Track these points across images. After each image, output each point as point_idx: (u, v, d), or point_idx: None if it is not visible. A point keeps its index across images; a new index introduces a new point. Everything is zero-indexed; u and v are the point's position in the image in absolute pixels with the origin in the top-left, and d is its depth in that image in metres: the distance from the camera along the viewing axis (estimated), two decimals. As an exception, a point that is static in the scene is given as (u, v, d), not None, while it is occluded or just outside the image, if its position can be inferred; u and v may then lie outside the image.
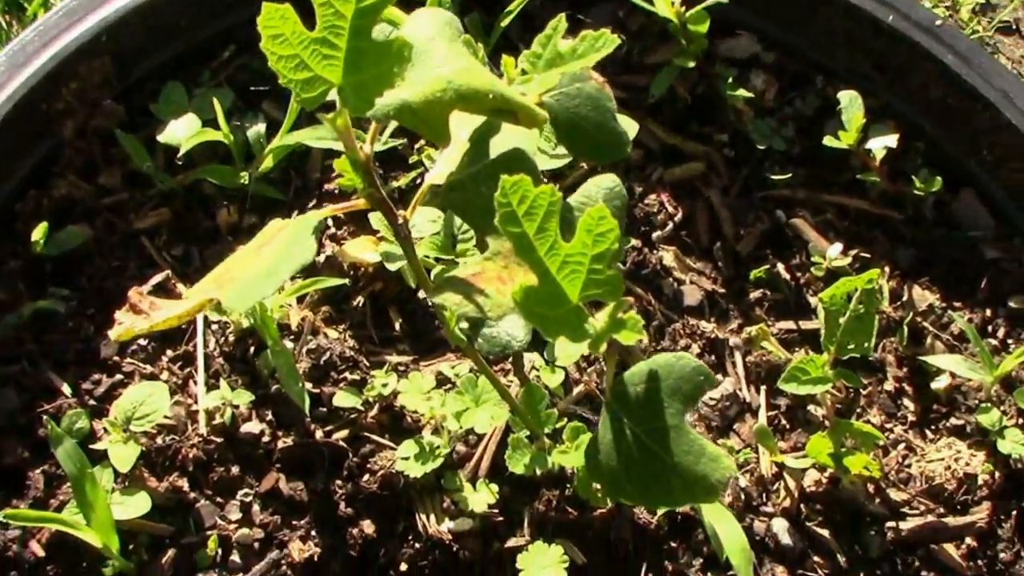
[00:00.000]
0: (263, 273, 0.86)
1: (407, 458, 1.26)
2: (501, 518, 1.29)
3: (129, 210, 1.46)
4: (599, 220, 0.81)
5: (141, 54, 1.48)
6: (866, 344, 1.33)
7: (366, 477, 1.29)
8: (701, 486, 0.82)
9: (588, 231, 0.81)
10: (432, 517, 1.28)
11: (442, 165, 0.92)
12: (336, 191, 1.47)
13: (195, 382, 1.35)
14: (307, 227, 0.88)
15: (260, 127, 1.46)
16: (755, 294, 1.52)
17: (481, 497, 1.27)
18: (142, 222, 1.45)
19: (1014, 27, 2.16)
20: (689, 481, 0.82)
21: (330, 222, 1.45)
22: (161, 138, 1.41)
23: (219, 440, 1.31)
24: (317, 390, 1.34)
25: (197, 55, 1.55)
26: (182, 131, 1.41)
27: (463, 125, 0.94)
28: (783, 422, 1.44)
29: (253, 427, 1.32)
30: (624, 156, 1.00)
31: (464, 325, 1.06)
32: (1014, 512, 1.39)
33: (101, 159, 1.47)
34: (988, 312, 1.52)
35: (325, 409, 1.34)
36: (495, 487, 1.28)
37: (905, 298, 1.52)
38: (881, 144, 1.54)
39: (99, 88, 1.45)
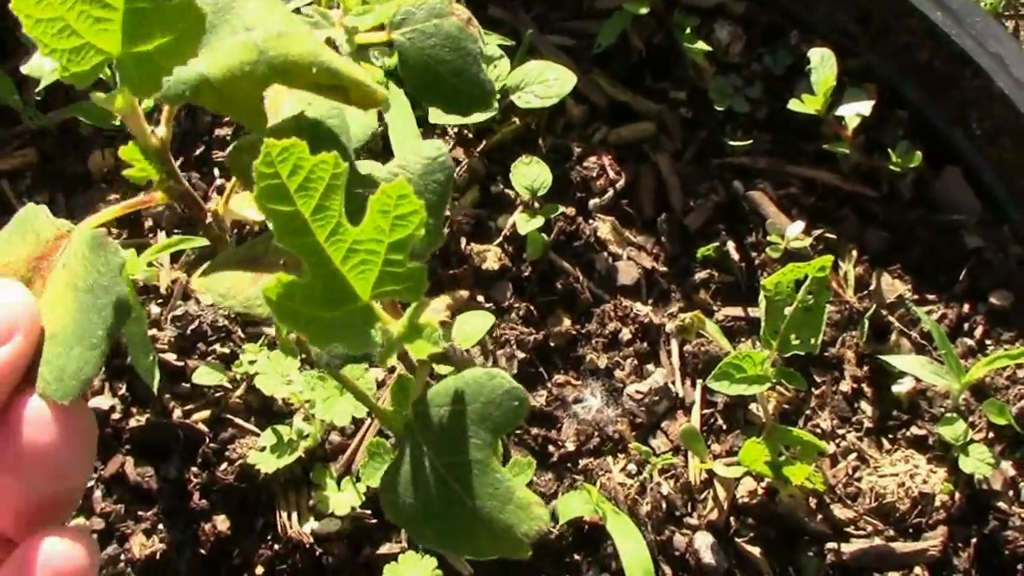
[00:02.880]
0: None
1: (263, 448, 1.10)
2: (375, 520, 1.14)
3: (-8, 147, 1.31)
4: (398, 199, 0.64)
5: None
6: (812, 340, 1.16)
7: (224, 466, 1.14)
8: (506, 538, 0.66)
9: (384, 212, 0.64)
10: (295, 516, 1.13)
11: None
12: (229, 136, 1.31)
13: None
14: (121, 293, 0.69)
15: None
16: (701, 275, 1.34)
17: (345, 498, 1.10)
18: (4, 163, 1.29)
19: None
20: (493, 531, 0.66)
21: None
22: (24, 69, 1.25)
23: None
24: (181, 363, 1.19)
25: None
26: (49, 65, 1.24)
27: (290, 103, 0.76)
28: (719, 422, 1.27)
29: (102, 401, 1.16)
30: (486, 109, 0.82)
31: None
32: (973, 540, 1.22)
33: (-37, 92, 1.32)
34: (966, 307, 1.34)
35: (188, 385, 1.18)
36: (365, 486, 1.12)
37: (872, 287, 1.34)
38: (854, 111, 1.35)
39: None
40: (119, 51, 0.66)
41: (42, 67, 1.24)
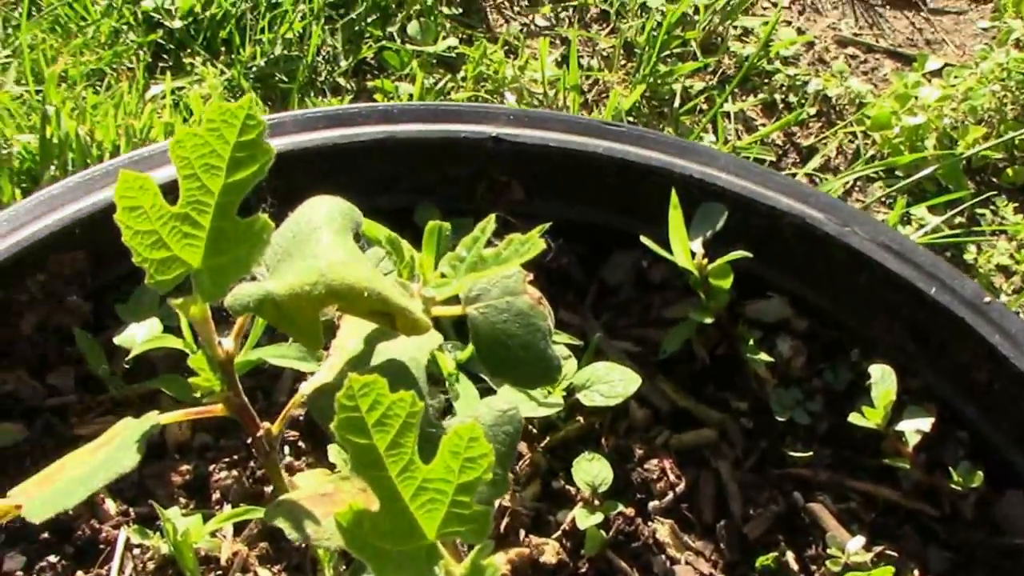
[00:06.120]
0: (77, 479, 0.73)
1: None
2: None
3: (74, 414, 1.35)
4: (469, 441, 0.67)
5: (122, 253, 1.41)
6: (873, 655, 1.14)
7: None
8: None
9: (455, 454, 0.67)
10: None
11: (321, 373, 0.79)
12: (300, 417, 1.36)
13: (101, 611, 1.20)
14: (137, 432, 0.75)
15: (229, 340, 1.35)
16: (760, 584, 1.33)
17: None
18: (85, 428, 1.33)
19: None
20: None
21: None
22: (117, 340, 1.31)
23: None
24: (232, 635, 1.19)
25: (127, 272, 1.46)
26: (141, 334, 1.31)
27: (353, 332, 0.81)
28: None
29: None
30: (552, 383, 0.86)
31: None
32: None
33: (56, 357, 1.38)
34: (1029, 634, 1.31)
35: (239, 660, 1.18)
36: None
37: (935, 607, 1.32)
38: (914, 427, 1.37)
39: (68, 283, 1.37)
40: (200, 264, 0.72)
41: (134, 339, 1.30)
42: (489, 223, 0.86)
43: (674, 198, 1.41)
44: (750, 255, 1.40)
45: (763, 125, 2.32)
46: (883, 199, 2.16)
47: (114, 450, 0.75)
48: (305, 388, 0.80)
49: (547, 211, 1.49)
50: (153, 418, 0.78)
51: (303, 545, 1.25)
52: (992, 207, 2.19)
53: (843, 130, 2.31)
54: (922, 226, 2.09)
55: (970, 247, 2.11)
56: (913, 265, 1.42)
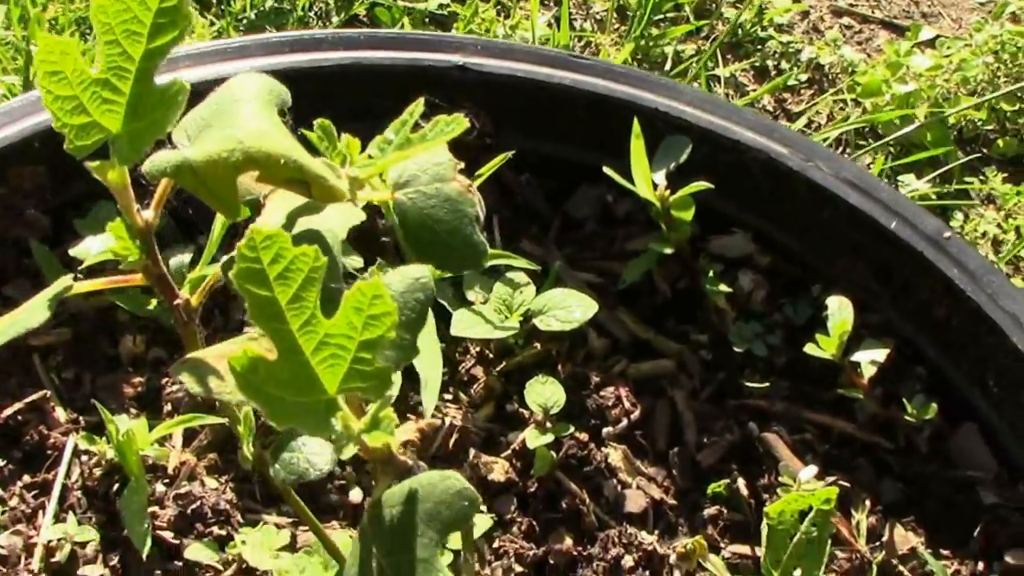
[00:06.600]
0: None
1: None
2: None
3: (30, 326, 1.36)
4: (372, 299, 0.67)
5: (83, 170, 1.41)
6: (815, 573, 1.14)
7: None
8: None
9: (357, 310, 0.67)
10: None
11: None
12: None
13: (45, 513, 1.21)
14: (49, 294, 0.76)
15: (186, 256, 1.36)
16: (710, 511, 1.33)
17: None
18: (39, 340, 1.34)
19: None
20: (432, 628, 0.66)
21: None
22: (72, 251, 1.32)
23: (51, 579, 1.16)
24: (177, 540, 1.19)
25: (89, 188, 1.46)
26: (96, 247, 1.31)
27: (278, 209, 0.82)
28: (719, 658, 1.23)
29: (93, 570, 1.16)
30: (477, 268, 0.87)
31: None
32: None
33: (13, 270, 1.39)
34: (980, 566, 1.30)
35: (180, 564, 1.18)
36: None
37: (885, 537, 1.31)
38: (869, 358, 1.37)
39: (27, 197, 1.37)
40: (119, 129, 0.73)
41: (88, 250, 1.31)
42: (417, 106, 0.86)
43: (636, 127, 1.41)
44: (711, 186, 1.39)
45: (755, 90, 2.31)
46: (871, 164, 2.15)
47: (26, 311, 0.76)
48: (224, 259, 0.81)
49: (516, 144, 1.49)
50: (66, 281, 0.79)
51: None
52: (981, 176, 2.17)
53: (833, 97, 2.31)
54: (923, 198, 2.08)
55: (957, 215, 2.10)
56: (875, 200, 1.42)
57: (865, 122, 2.19)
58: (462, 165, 0.89)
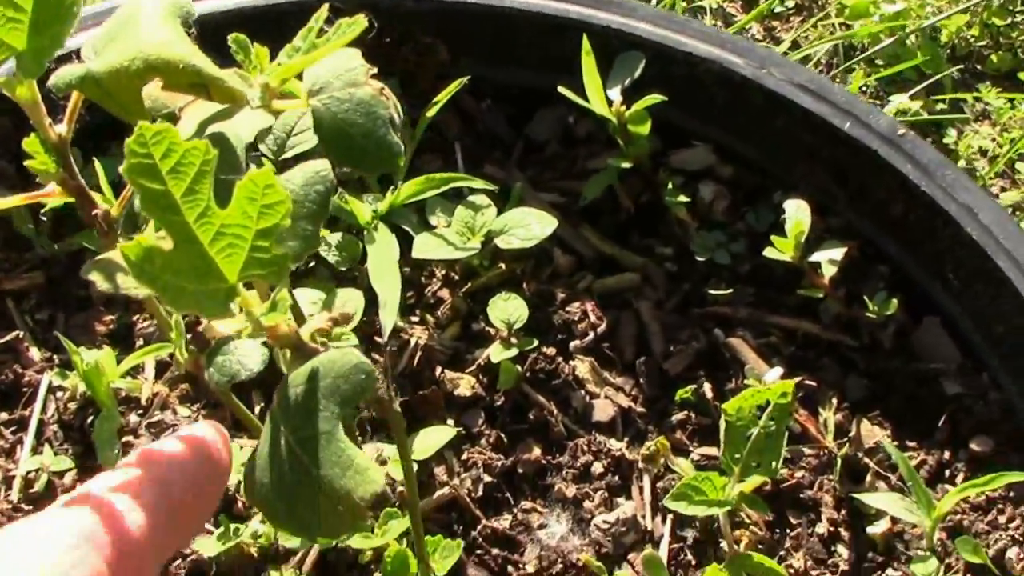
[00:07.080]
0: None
1: (209, 533, 1.12)
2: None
3: (1, 270, 1.39)
4: (265, 188, 0.69)
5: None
6: (773, 465, 1.16)
7: (177, 561, 1.16)
8: (346, 504, 0.68)
9: (251, 199, 0.69)
10: (243, 614, 1.14)
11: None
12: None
13: (23, 448, 1.25)
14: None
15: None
16: (678, 416, 1.35)
17: (292, 597, 1.11)
18: (12, 283, 1.38)
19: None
20: (334, 499, 0.68)
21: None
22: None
23: (29, 508, 1.19)
24: (150, 468, 1.22)
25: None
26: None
27: (195, 116, 0.84)
28: (688, 556, 1.26)
29: (70, 499, 1.20)
30: (392, 168, 0.89)
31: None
32: None
33: (-21, 221, 1.43)
34: (947, 454, 1.32)
35: (154, 488, 1.22)
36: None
37: (852, 434, 1.33)
38: (827, 257, 1.38)
39: (-8, 147, 1.41)
40: (23, 46, 0.75)
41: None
42: (322, 13, 0.88)
43: (586, 44, 1.42)
44: (664, 98, 1.41)
45: (742, 20, 2.31)
46: (863, 88, 2.14)
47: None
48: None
49: (474, 72, 1.50)
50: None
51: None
52: (976, 92, 2.17)
53: (822, 22, 2.30)
54: (903, 113, 2.08)
55: (950, 131, 2.10)
56: (828, 103, 1.43)
57: (847, 37, 2.19)
58: (375, 70, 0.91)
